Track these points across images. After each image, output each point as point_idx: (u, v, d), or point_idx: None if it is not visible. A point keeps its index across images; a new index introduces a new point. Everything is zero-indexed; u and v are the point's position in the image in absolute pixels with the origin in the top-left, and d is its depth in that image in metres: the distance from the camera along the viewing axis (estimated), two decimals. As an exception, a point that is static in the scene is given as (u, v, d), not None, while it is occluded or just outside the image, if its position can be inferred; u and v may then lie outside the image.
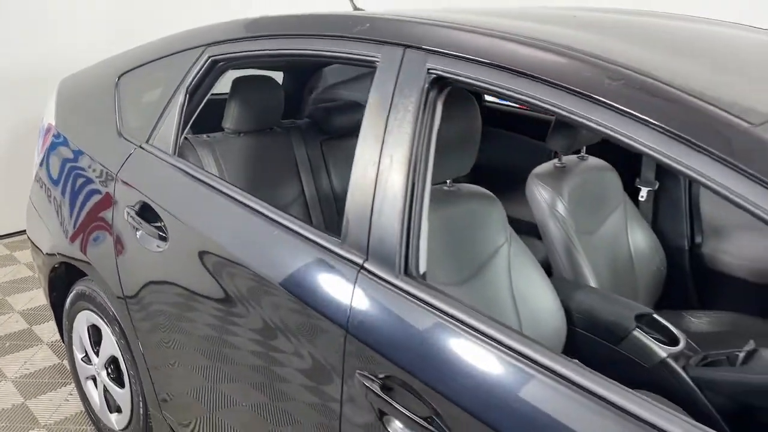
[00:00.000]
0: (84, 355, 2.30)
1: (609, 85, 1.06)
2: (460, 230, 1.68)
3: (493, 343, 1.12)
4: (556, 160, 2.17)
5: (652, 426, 0.93)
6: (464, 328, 1.15)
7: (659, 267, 2.26)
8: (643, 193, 2.35)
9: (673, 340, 1.71)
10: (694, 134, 0.96)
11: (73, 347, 2.33)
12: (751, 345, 1.59)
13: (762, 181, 0.91)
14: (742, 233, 2.24)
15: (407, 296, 1.23)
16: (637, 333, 1.69)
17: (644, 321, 1.73)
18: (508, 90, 1.19)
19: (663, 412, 0.94)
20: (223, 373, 1.62)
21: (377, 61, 1.36)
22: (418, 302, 1.22)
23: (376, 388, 1.22)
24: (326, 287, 1.34)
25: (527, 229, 2.17)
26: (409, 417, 1.17)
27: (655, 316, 1.75)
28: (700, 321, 2.14)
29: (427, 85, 1.29)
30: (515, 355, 1.08)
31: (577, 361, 1.05)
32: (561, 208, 2.03)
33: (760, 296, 2.15)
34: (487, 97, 3.09)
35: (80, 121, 2.21)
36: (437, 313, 1.19)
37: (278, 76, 3.17)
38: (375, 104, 1.34)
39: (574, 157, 2.24)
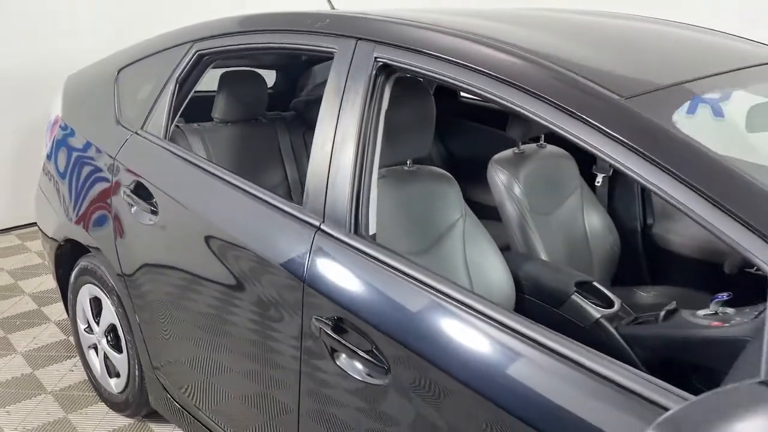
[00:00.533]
0: (87, 325, 2.52)
1: (513, 65, 1.27)
2: (419, 206, 1.88)
3: (424, 287, 1.32)
4: (515, 148, 2.37)
5: (581, 365, 1.12)
6: (403, 276, 1.36)
7: (613, 246, 2.45)
8: (599, 179, 2.55)
9: (609, 304, 1.90)
10: (576, 106, 1.17)
11: (77, 319, 2.55)
12: (672, 305, 1.78)
13: (627, 144, 1.11)
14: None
15: (356, 252, 1.44)
16: (576, 297, 1.89)
17: (584, 287, 1.93)
18: (438, 74, 1.40)
19: (589, 353, 1.13)
20: (208, 333, 1.84)
21: (335, 52, 1.58)
22: (365, 257, 1.43)
23: (328, 330, 1.42)
24: (288, 246, 1.55)
25: (495, 214, 2.38)
26: (353, 351, 1.38)
27: (595, 283, 1.94)
28: (648, 295, 2.34)
29: (374, 72, 1.50)
30: (438, 294, 1.29)
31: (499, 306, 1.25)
32: (517, 190, 2.23)
33: (703, 272, 2.34)
34: (463, 93, 3.29)
35: (84, 113, 2.43)
36: (381, 265, 1.40)
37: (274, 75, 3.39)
38: (332, 88, 1.56)
39: (533, 145, 2.44)
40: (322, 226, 1.51)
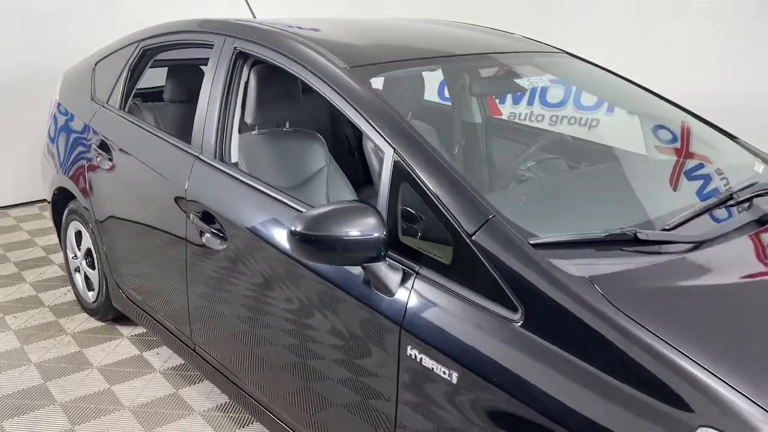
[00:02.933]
0: (74, 255, 3.39)
1: (296, 49, 2.08)
2: (292, 156, 2.68)
3: (252, 189, 2.12)
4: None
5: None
6: (241, 184, 2.16)
7: None
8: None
9: None
10: (319, 69, 1.97)
11: (66, 249, 3.42)
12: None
13: (343, 96, 1.90)
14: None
15: (218, 171, 2.25)
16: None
17: None
18: (268, 58, 2.20)
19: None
20: (145, 248, 2.66)
21: (213, 43, 2.41)
22: (222, 174, 2.24)
23: (198, 219, 2.24)
24: (180, 171, 2.37)
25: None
26: (209, 229, 2.20)
27: None
28: None
29: (234, 57, 2.32)
30: (259, 192, 2.09)
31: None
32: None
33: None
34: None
35: (72, 95, 3.31)
36: (229, 178, 2.21)
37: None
38: (210, 67, 2.39)
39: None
40: (200, 156, 2.33)
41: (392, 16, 2.92)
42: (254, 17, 3.26)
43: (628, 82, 2.60)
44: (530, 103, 3.51)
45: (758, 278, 1.60)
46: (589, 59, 2.72)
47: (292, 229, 1.62)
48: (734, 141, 2.40)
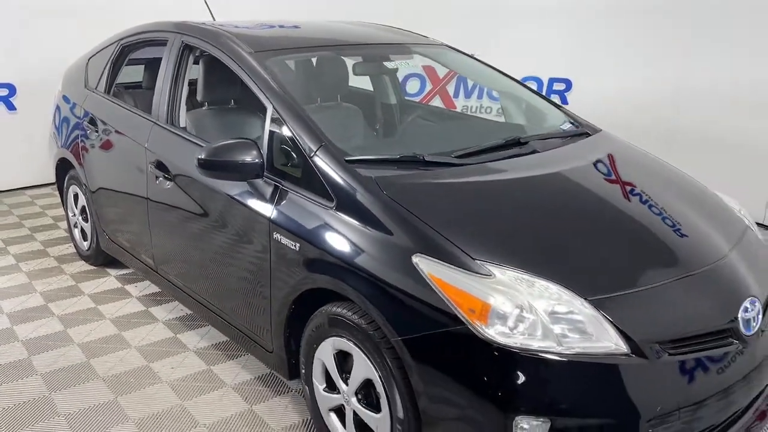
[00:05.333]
0: (72, 214, 4.24)
1: (226, 43, 2.90)
2: (234, 125, 3.47)
3: (196, 144, 2.94)
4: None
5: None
6: (185, 140, 2.98)
7: None
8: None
9: None
10: (231, 53, 2.78)
11: (67, 209, 4.28)
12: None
13: (250, 76, 2.71)
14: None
15: (170, 132, 3.07)
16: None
17: None
18: (206, 51, 3.02)
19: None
20: (125, 204, 3.48)
21: (167, 39, 3.24)
22: (172, 134, 3.06)
23: (153, 168, 3.07)
24: (142, 132, 3.20)
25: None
26: (161, 174, 3.01)
27: None
28: None
29: (182, 49, 3.14)
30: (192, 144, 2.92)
31: None
32: None
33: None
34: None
35: (71, 85, 4.16)
36: (178, 137, 3.02)
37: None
38: (164, 58, 3.21)
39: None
40: (156, 122, 3.16)
41: (326, 19, 3.74)
42: (214, 19, 4.10)
43: (490, 68, 3.41)
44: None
45: (486, 181, 2.36)
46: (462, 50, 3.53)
47: (198, 157, 2.43)
48: (559, 109, 3.19)
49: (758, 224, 4.98)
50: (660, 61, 5.35)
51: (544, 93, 6.30)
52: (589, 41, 5.81)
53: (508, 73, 3.37)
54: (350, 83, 3.62)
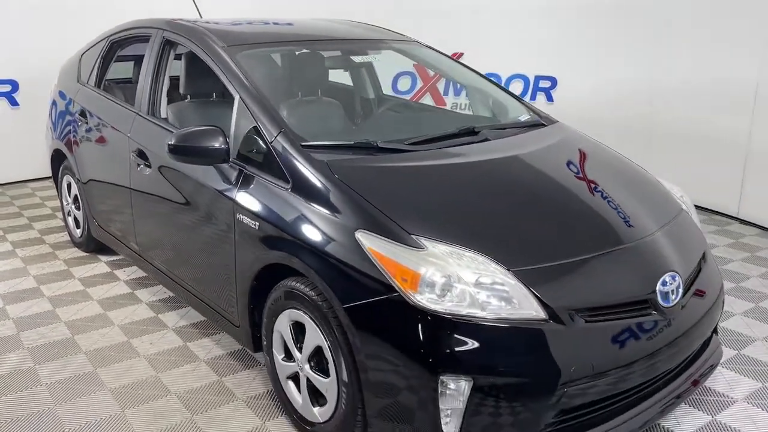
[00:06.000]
0: (67, 203, 4.44)
1: (210, 38, 3.08)
2: (217, 117, 3.66)
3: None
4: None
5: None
6: (164, 129, 3.17)
7: None
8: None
9: None
10: (206, 47, 2.96)
11: (62, 199, 4.48)
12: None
13: (221, 67, 2.89)
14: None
15: (152, 123, 3.26)
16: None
17: None
18: (186, 45, 3.21)
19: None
20: (113, 193, 3.67)
21: (150, 35, 3.43)
22: (153, 124, 3.24)
23: (135, 156, 3.25)
24: (126, 121, 3.39)
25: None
26: (142, 162, 3.20)
27: None
28: None
29: (162, 43, 3.33)
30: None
31: None
32: None
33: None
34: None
35: (65, 80, 4.37)
36: (158, 126, 3.21)
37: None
38: (147, 53, 3.40)
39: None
40: (139, 113, 3.35)
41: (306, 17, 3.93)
42: (201, 17, 4.30)
43: (460, 64, 3.57)
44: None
45: (433, 165, 2.52)
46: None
47: (168, 142, 2.61)
48: (520, 102, 3.35)
49: (730, 216, 5.10)
50: (638, 60, 5.50)
51: (530, 90, 6.47)
52: (573, 40, 5.97)
53: (475, 68, 3.54)
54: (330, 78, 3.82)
